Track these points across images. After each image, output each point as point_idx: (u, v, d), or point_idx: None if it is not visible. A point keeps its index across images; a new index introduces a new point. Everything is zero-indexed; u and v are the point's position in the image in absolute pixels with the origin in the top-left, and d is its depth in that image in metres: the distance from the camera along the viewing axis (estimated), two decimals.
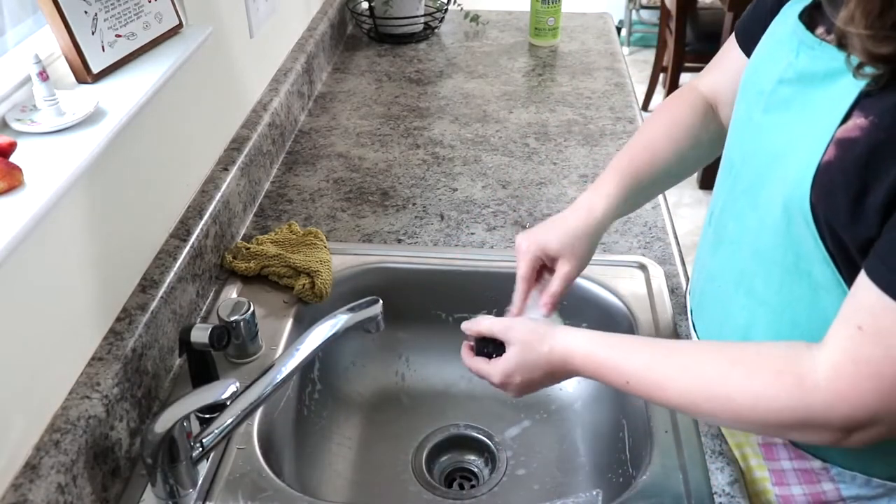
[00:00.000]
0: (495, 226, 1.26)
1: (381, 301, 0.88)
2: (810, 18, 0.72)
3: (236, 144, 1.27)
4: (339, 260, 1.18)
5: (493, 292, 1.16)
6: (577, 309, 1.16)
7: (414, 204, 1.32)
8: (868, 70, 0.61)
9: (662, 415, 0.93)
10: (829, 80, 0.67)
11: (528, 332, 0.83)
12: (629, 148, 0.95)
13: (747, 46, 0.87)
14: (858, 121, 0.63)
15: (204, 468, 0.88)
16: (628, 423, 1.02)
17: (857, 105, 0.63)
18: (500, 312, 0.93)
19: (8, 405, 0.71)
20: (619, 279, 1.14)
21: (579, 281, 1.15)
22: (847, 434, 0.63)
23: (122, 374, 0.85)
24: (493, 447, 1.11)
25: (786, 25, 0.75)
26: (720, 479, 0.85)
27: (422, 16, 1.97)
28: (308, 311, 1.11)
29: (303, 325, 1.08)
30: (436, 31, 2.04)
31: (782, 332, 0.74)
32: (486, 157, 1.45)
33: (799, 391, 0.64)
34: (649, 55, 4.27)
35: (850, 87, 0.64)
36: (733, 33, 0.91)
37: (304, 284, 1.10)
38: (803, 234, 0.68)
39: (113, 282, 0.90)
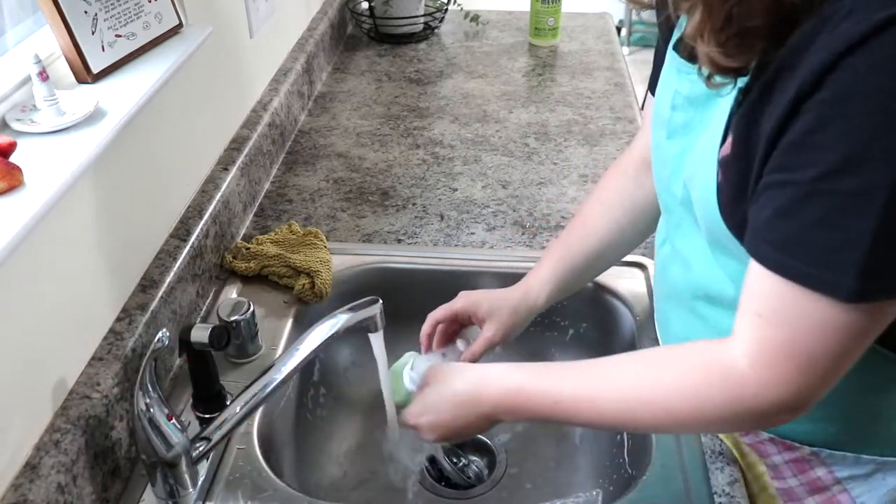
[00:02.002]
0: (495, 226, 1.26)
1: (380, 301, 0.88)
2: (684, 46, 0.72)
3: (236, 144, 1.27)
4: (339, 260, 1.18)
5: None
6: (578, 309, 1.17)
7: (414, 204, 1.32)
8: (718, 79, 0.62)
9: None
10: (711, 101, 0.68)
11: (446, 370, 0.83)
12: (567, 229, 0.99)
13: None
14: (730, 139, 0.64)
15: (204, 468, 0.88)
16: None
17: (730, 124, 0.64)
18: None
19: (8, 405, 0.71)
20: (619, 279, 1.14)
21: None
22: (790, 414, 0.63)
23: (122, 374, 0.85)
24: (492, 447, 1.11)
25: (669, 56, 0.77)
26: (720, 479, 0.85)
27: (422, 16, 1.97)
28: (308, 311, 1.11)
29: (303, 325, 1.08)
30: (436, 31, 2.04)
31: None
32: (486, 157, 1.46)
33: (728, 384, 0.64)
34: (649, 55, 4.24)
35: (725, 106, 0.65)
36: (647, 91, 0.92)
37: (304, 284, 1.10)
38: (732, 247, 0.68)
39: (113, 282, 0.91)
